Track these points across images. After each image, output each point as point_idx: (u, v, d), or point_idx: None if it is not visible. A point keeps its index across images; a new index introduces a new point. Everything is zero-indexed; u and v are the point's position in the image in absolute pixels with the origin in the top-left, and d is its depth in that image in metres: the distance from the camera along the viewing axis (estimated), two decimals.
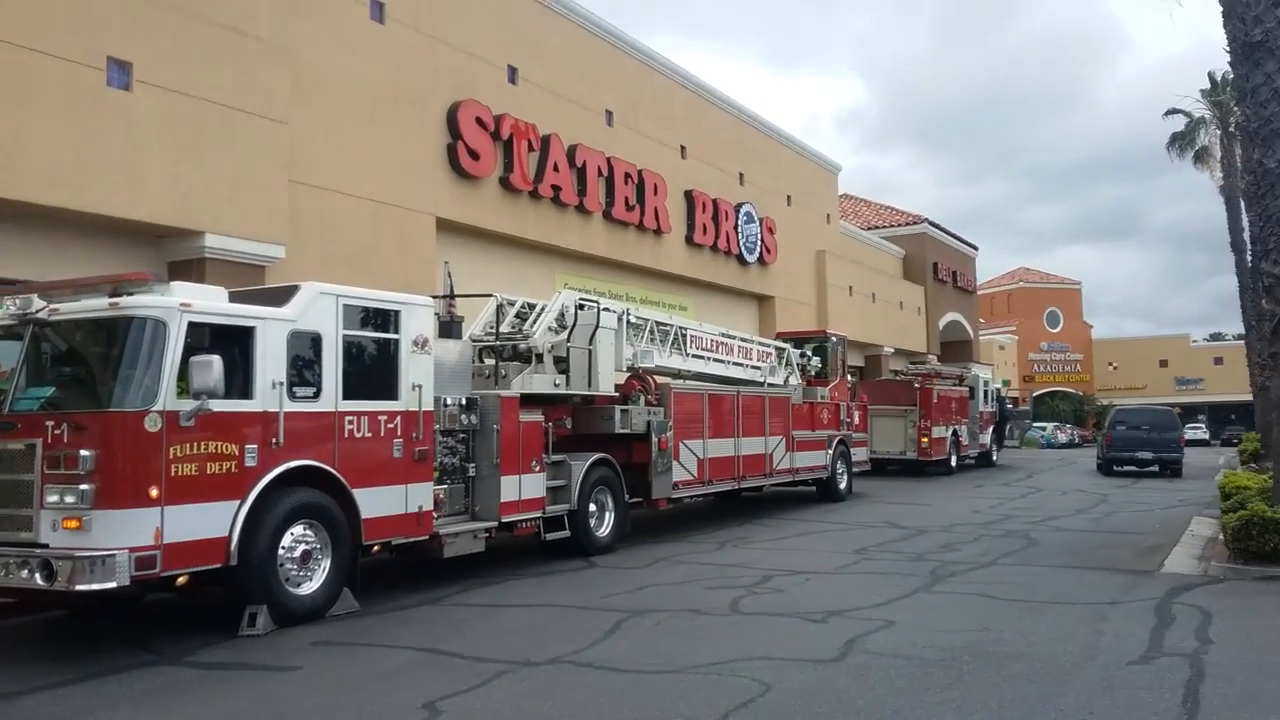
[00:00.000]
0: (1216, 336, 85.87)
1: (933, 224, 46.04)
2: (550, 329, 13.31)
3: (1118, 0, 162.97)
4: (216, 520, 8.44)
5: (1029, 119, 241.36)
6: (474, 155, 17.93)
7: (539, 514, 12.28)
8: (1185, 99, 41.58)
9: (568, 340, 13.31)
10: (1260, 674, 7.14)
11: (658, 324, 15.89)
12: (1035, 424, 61.92)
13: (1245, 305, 32.90)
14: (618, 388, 14.48)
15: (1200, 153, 41.71)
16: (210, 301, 8.86)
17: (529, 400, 12.28)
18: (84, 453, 7.77)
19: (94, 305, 8.50)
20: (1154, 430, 30.31)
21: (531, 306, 14.08)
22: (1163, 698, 6.55)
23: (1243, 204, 30.14)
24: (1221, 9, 13.40)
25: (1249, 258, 21.09)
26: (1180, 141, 42.24)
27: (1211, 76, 40.32)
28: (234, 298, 9.33)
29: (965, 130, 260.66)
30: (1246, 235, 22.79)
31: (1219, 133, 39.35)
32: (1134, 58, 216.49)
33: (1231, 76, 15.49)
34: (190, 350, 8.30)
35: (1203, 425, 67.67)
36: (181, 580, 8.48)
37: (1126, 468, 30.55)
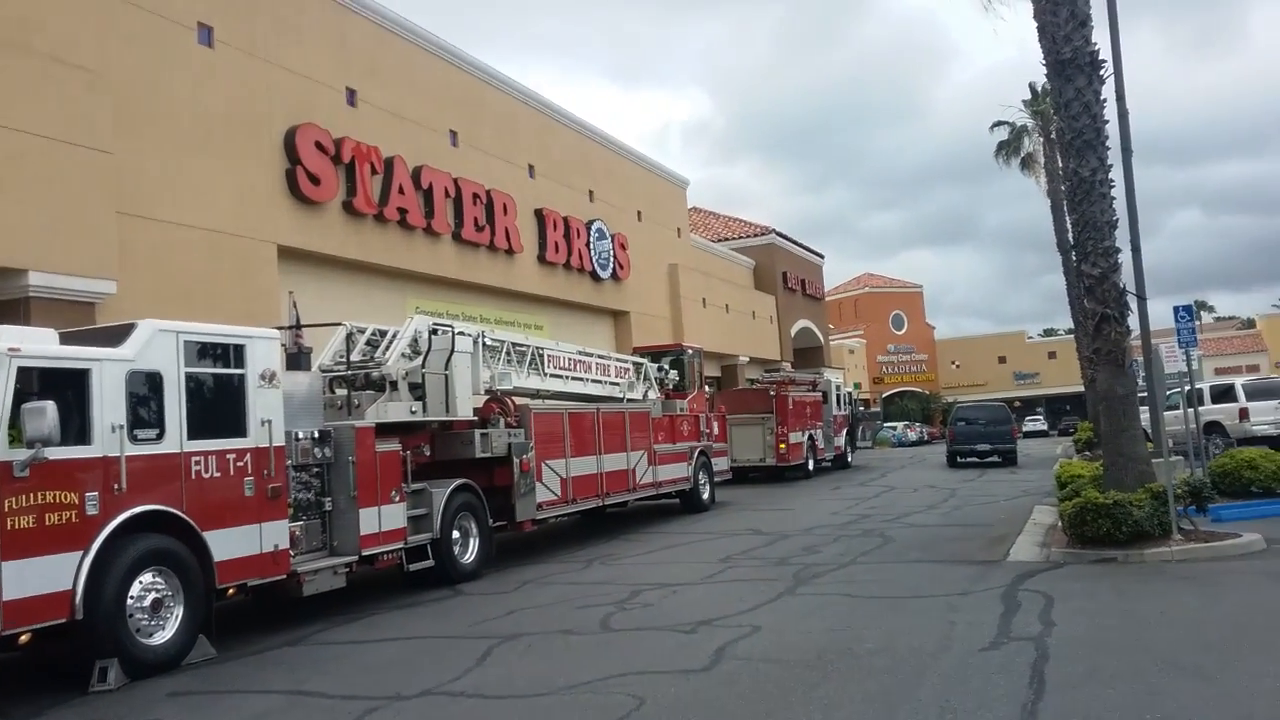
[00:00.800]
0: (1050, 332, 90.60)
1: (780, 234, 47.29)
2: (404, 355, 13.09)
3: (950, 13, 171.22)
4: (59, 573, 8.03)
5: (869, 128, 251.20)
6: (314, 180, 17.53)
7: (401, 545, 12.04)
8: (1009, 109, 43.88)
9: (422, 366, 13.12)
10: (1099, 651, 7.57)
11: (514, 345, 15.81)
12: (886, 424, 64.15)
13: (1073, 302, 34.83)
14: (476, 411, 14.34)
15: (1026, 159, 44.01)
16: (40, 345, 8.45)
17: (385, 429, 12.05)
18: None
19: None
20: (990, 424, 33.34)
21: (383, 334, 13.82)
22: (1012, 680, 6.88)
23: (1065, 207, 32.01)
24: (1036, 26, 14.22)
25: (1073, 258, 22.39)
26: (1006, 149, 44.47)
27: (1033, 87, 42.54)
28: (65, 339, 8.93)
29: (809, 140, 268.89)
30: (1070, 236, 24.22)
31: (1041, 140, 41.55)
32: (966, 66, 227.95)
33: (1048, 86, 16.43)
34: (21, 397, 7.90)
35: (1041, 417, 71.33)
36: (24, 639, 7.99)
37: (969, 459, 33.01)
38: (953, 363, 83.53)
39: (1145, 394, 17.34)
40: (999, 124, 44.30)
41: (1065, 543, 12.64)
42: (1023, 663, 7.33)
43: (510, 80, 24.96)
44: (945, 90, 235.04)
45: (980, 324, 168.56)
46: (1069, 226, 28.22)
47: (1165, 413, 16.12)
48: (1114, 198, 13.88)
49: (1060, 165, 17.80)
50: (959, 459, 32.93)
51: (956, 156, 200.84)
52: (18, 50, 12.49)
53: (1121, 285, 13.61)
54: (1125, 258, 14.17)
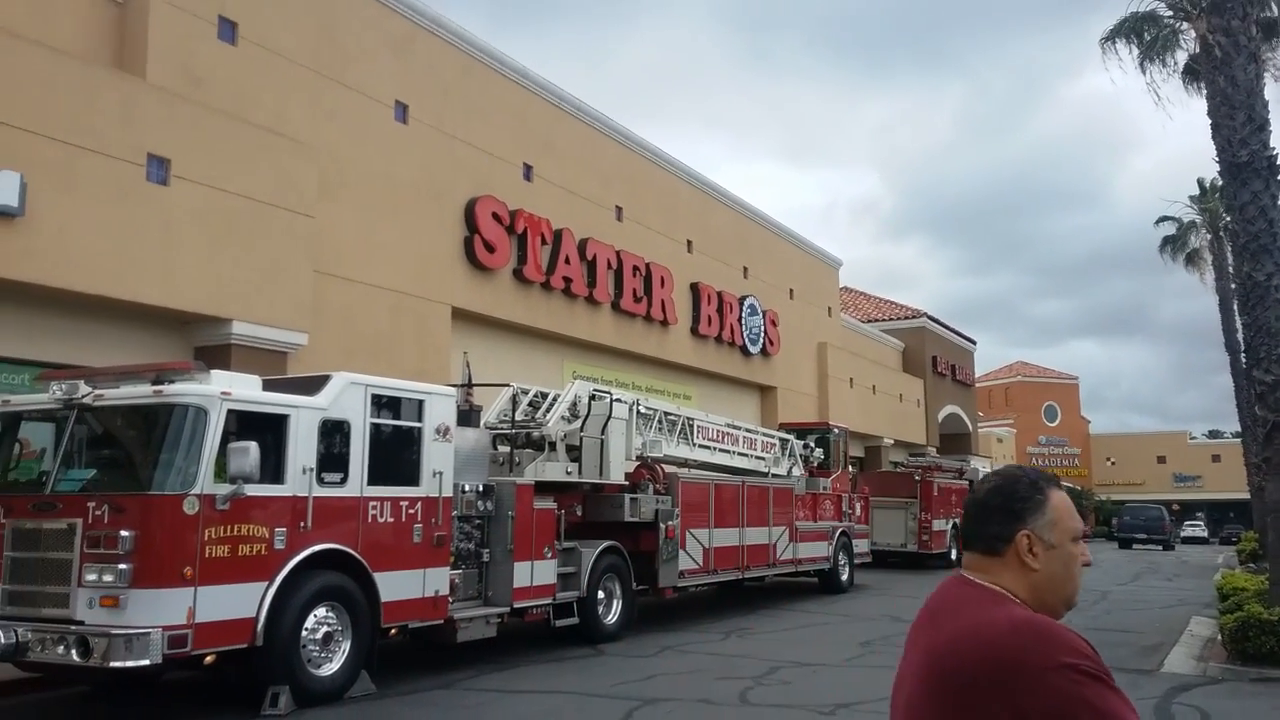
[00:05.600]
0: (1215, 434, 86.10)
1: (931, 318, 46.76)
2: (563, 418, 13.69)
3: (1133, 100, 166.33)
4: (246, 601, 8.72)
5: (1042, 213, 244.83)
6: (490, 248, 18.54)
7: (550, 600, 12.50)
8: (1175, 204, 42.52)
9: (580, 429, 13.68)
10: None
11: (666, 414, 16.27)
12: None
13: (1240, 405, 33.30)
14: (627, 476, 14.78)
15: (1191, 255, 42.56)
16: (247, 390, 9.25)
17: (542, 488, 12.60)
18: (124, 533, 8.10)
19: (138, 392, 8.90)
20: (1147, 520, 49.08)
21: (544, 396, 14.48)
22: None
23: (1235, 306, 30.81)
24: (1210, 123, 14.09)
25: (1243, 359, 21.60)
26: (1172, 245, 43.10)
27: (1200, 183, 41.30)
28: (268, 386, 9.72)
29: (978, 223, 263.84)
30: (1240, 336, 23.39)
31: (1209, 237, 40.16)
32: (1148, 154, 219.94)
33: (1220, 184, 16.17)
34: (228, 436, 8.68)
35: (1201, 522, 67.60)
36: (209, 659, 8.71)
37: (1131, 545, 47.16)
38: (1108, 459, 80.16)
39: None
40: (1164, 219, 43.03)
41: (1224, 658, 12.17)
42: None
43: (673, 159, 25.82)
44: (1124, 178, 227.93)
45: (1145, 421, 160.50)
46: (1238, 327, 27.23)
47: None
48: None
49: (1231, 265, 17.36)
50: (1122, 545, 47.23)
51: (1130, 245, 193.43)
52: (236, 121, 13.80)
53: None
54: None
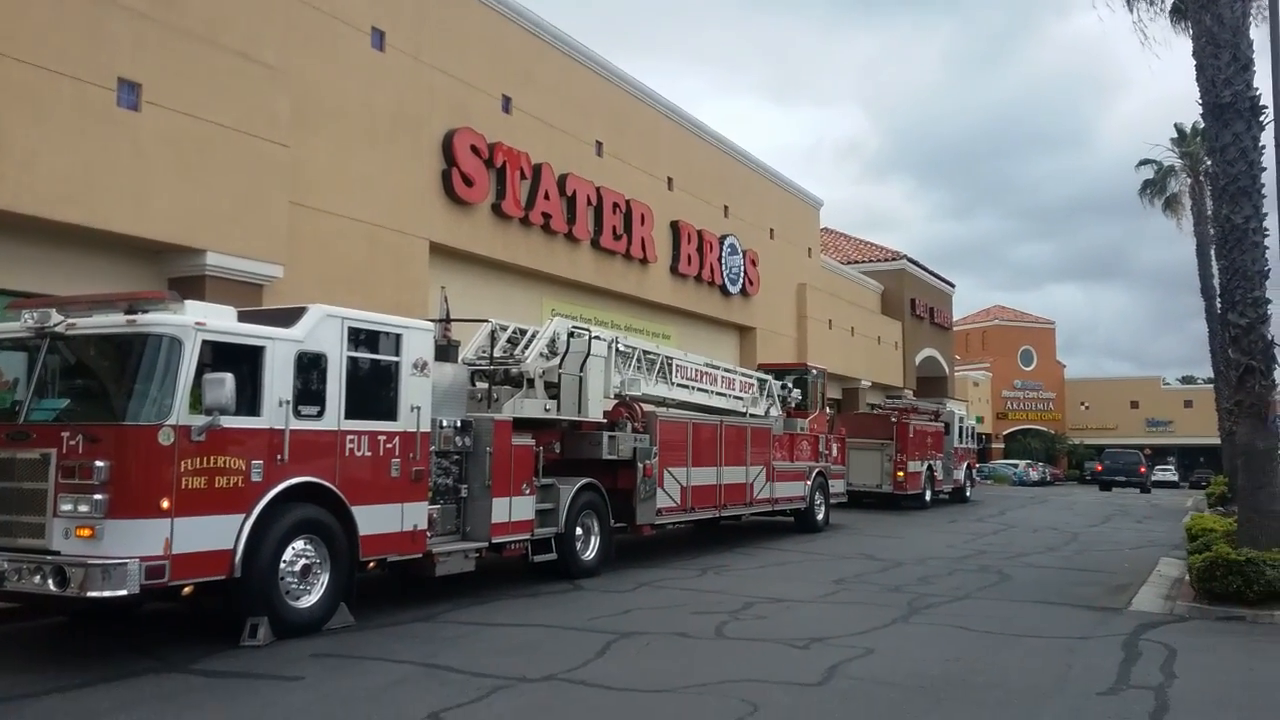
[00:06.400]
0: (1188, 379, 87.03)
1: (911, 260, 46.77)
2: (542, 355, 13.62)
3: (1120, 41, 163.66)
4: (223, 533, 8.69)
5: (1026, 155, 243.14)
6: (468, 182, 18.30)
7: (528, 536, 12.54)
8: (1156, 147, 42.57)
9: (559, 367, 13.63)
10: (1222, 708, 7.53)
11: (645, 353, 16.24)
12: (1008, 461, 62.67)
13: (1214, 350, 33.65)
14: (605, 414, 14.78)
15: (1170, 200, 42.70)
16: (222, 321, 9.12)
17: (520, 424, 12.58)
18: (99, 463, 8.02)
19: (110, 321, 8.76)
20: (1125, 464, 52.19)
21: (523, 332, 14.40)
22: None
23: (1212, 252, 30.95)
24: (1195, 64, 13.98)
25: (1218, 304, 21.76)
26: (1151, 189, 43.21)
27: (1179, 128, 41.31)
28: (243, 317, 9.59)
29: (962, 165, 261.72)
30: (1216, 282, 23.50)
31: (1189, 182, 40.26)
32: (1133, 97, 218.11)
33: (1201, 127, 16.11)
34: (203, 367, 8.57)
35: (1172, 467, 68.61)
36: (187, 590, 8.69)
37: (1109, 487, 50.25)
38: (1082, 404, 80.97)
39: None
40: (1145, 162, 43.08)
41: (1192, 597, 12.39)
42: (1140, 710, 7.34)
43: (655, 94, 25.48)
44: (1108, 121, 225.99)
45: (1121, 366, 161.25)
46: (1214, 273, 27.39)
47: None
48: (1267, 247, 13.56)
49: (1210, 210, 17.33)
50: (1103, 487, 50.17)
51: (1112, 190, 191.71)
52: (208, 45, 13.46)
53: (1269, 337, 13.27)
54: (1275, 309, 13.81)
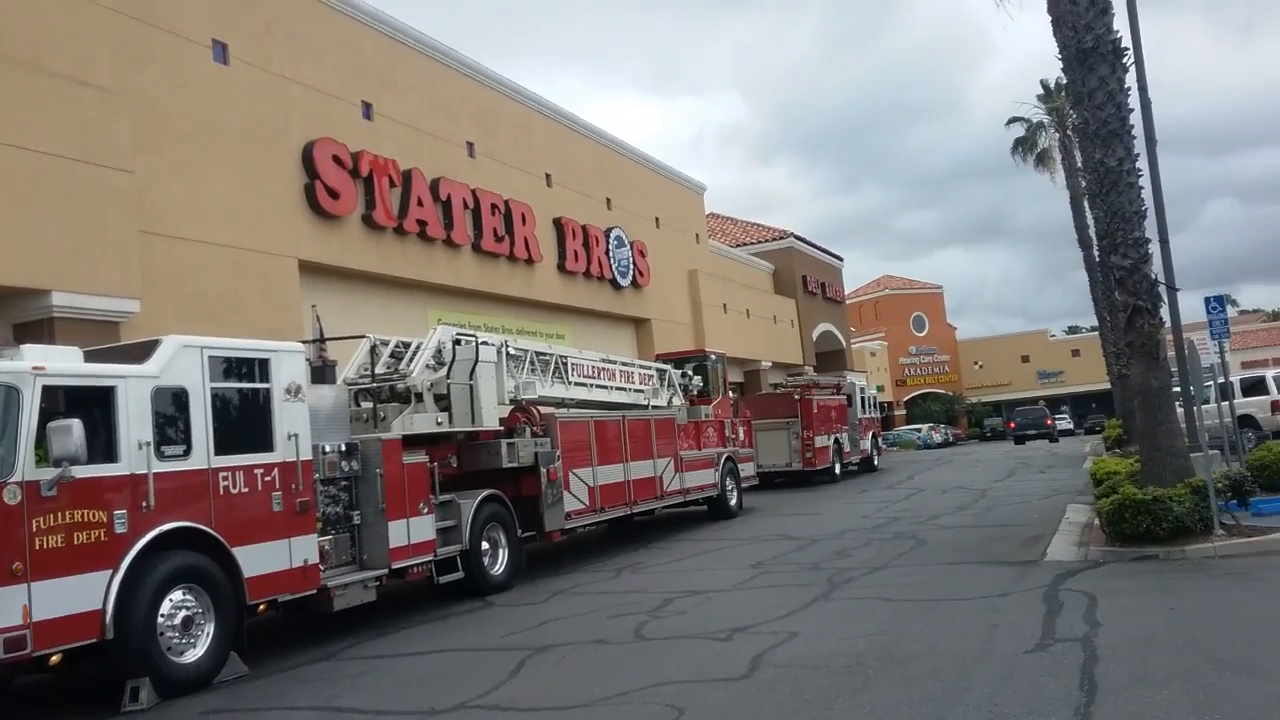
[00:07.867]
0: (1074, 330, 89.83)
1: (798, 238, 47.08)
2: (428, 366, 13.02)
3: (981, 7, 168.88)
4: (89, 592, 7.98)
5: (904, 127, 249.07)
6: (333, 194, 17.52)
7: (430, 557, 11.94)
8: (1024, 105, 43.61)
9: (447, 377, 13.04)
10: (1150, 651, 7.38)
11: (537, 354, 15.73)
12: (910, 427, 63.74)
13: (1097, 298, 34.56)
14: (502, 421, 14.25)
15: (1041, 155, 43.77)
16: (65, 363, 8.39)
17: (411, 441, 11.97)
18: None
19: None
20: (1034, 420, 55.82)
21: (406, 345, 13.75)
22: (1061, 682, 6.70)
23: (1086, 203, 31.76)
24: (1051, 19, 14.02)
25: (1095, 253, 22.20)
26: (1023, 146, 44.26)
27: (1045, 84, 42.38)
28: (90, 357, 8.88)
29: (843, 141, 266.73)
30: (1092, 231, 24.02)
31: (1058, 136, 41.29)
32: (999, 61, 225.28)
33: (1065, 82, 16.24)
34: (47, 415, 7.86)
35: (1067, 416, 70.70)
36: (55, 659, 7.94)
37: (1022, 440, 53.16)
38: (975, 363, 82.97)
39: (1178, 388, 17.05)
40: (1014, 120, 44.13)
41: (1104, 541, 12.41)
42: (1071, 664, 7.15)
43: (525, 90, 24.93)
44: (979, 86, 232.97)
45: (1012, 323, 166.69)
46: (1090, 221, 28.06)
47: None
48: (1142, 187, 13.68)
49: (1082, 158, 17.52)
50: (1018, 441, 53.21)
51: (987, 153, 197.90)
52: (33, 71, 12.51)
53: (1153, 276, 13.39)
54: (1154, 249, 13.95)
